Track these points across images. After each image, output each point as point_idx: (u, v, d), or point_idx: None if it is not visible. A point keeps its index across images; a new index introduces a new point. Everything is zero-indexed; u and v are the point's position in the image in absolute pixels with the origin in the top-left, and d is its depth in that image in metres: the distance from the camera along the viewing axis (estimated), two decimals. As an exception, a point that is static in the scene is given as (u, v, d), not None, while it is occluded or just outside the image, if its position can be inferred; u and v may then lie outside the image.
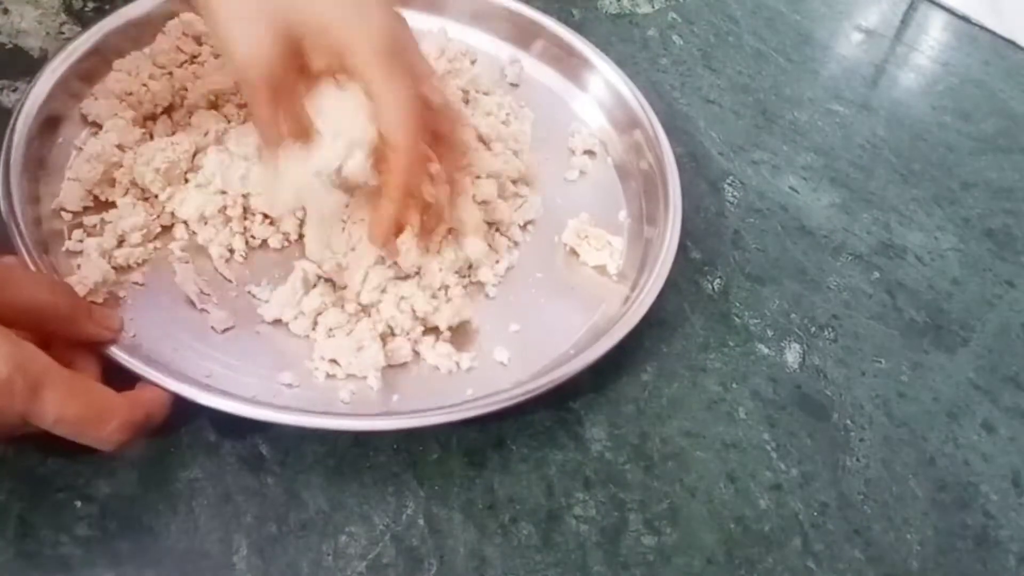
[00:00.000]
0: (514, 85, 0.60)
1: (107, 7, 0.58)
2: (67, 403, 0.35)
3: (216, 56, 0.54)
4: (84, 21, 0.57)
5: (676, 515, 0.43)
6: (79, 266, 0.44)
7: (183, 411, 0.40)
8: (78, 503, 0.39)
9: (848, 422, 0.49)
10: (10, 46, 0.55)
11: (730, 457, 0.46)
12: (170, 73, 0.53)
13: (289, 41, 0.42)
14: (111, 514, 0.39)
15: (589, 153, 0.57)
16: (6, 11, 0.57)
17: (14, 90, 0.53)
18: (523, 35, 0.62)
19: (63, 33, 0.57)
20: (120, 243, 0.46)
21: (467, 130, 0.50)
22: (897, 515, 0.45)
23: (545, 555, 0.41)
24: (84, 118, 0.50)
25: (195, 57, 0.54)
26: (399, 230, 0.45)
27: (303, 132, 0.44)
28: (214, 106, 0.52)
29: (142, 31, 0.54)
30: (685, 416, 0.47)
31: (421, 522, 0.41)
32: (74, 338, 0.39)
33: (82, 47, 0.51)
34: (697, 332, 0.51)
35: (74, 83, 0.51)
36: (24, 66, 0.54)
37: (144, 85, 0.51)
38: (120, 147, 0.48)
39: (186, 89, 0.52)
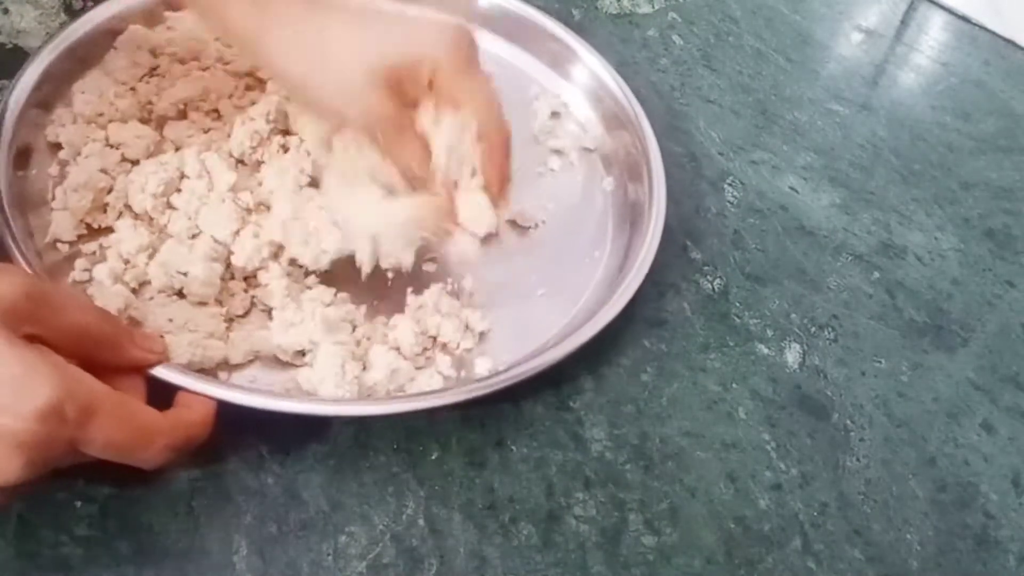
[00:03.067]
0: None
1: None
2: (116, 428, 0.35)
3: (182, 62, 0.54)
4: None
5: (676, 515, 0.43)
6: (91, 295, 0.43)
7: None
8: (78, 503, 0.39)
9: (848, 422, 0.49)
10: (10, 46, 0.55)
11: (730, 457, 0.46)
12: (133, 88, 0.52)
13: (389, 83, 0.45)
14: (111, 514, 0.39)
15: (571, 140, 0.58)
16: (6, 11, 0.57)
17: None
18: (498, 21, 0.62)
19: (63, 33, 0.57)
20: (125, 266, 0.45)
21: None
22: (897, 515, 0.45)
23: (545, 555, 0.41)
24: (52, 146, 0.49)
25: (154, 69, 0.53)
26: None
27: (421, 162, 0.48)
28: (183, 115, 0.52)
29: (87, 51, 0.53)
30: (685, 416, 0.47)
31: (421, 522, 0.41)
32: (118, 363, 0.39)
33: (34, 74, 0.50)
34: (697, 332, 0.51)
35: (33, 112, 0.50)
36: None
37: (111, 103, 0.51)
38: (103, 171, 0.48)
39: (151, 103, 0.52)
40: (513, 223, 0.53)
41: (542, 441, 0.45)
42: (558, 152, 0.58)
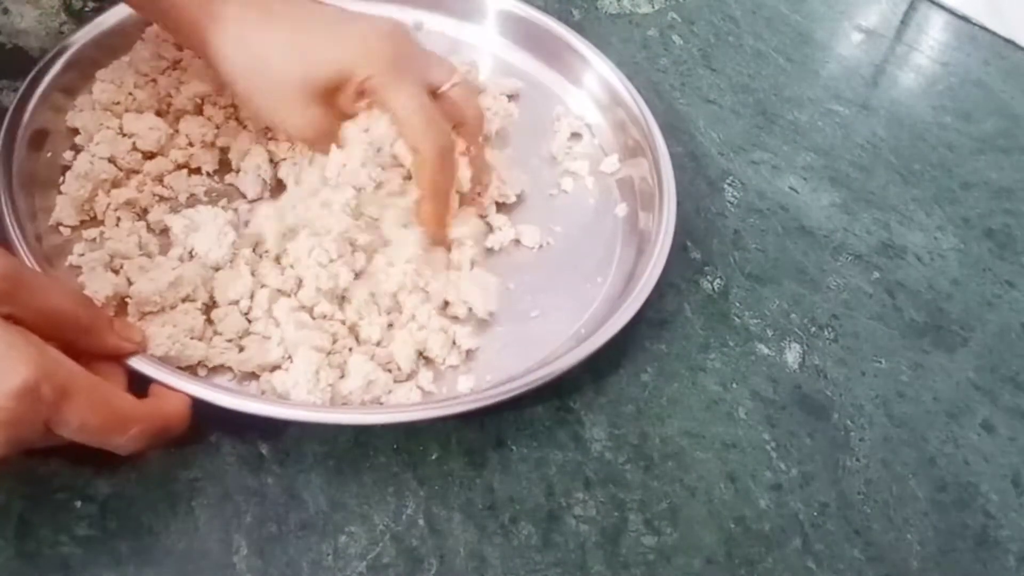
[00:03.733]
0: (512, 97, 0.60)
1: (107, 7, 0.58)
2: (91, 411, 0.35)
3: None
4: (84, 21, 0.57)
5: (676, 515, 0.43)
6: (83, 281, 0.44)
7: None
8: (78, 503, 0.39)
9: (848, 422, 0.49)
10: (10, 46, 0.55)
11: (730, 457, 0.46)
12: (154, 80, 0.52)
13: (323, 98, 0.46)
14: (111, 514, 0.39)
15: (589, 163, 0.57)
16: (6, 11, 0.57)
17: (14, 90, 0.52)
18: (518, 31, 0.62)
19: (63, 33, 0.57)
20: (120, 258, 0.46)
21: (476, 102, 0.51)
22: (897, 515, 0.45)
23: (545, 555, 0.41)
24: (70, 131, 0.50)
25: (177, 63, 0.54)
26: (445, 220, 0.48)
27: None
28: (200, 110, 0.52)
29: (118, 40, 0.53)
30: (685, 416, 0.47)
31: (421, 522, 0.41)
32: (94, 350, 0.39)
33: (61, 58, 0.51)
34: (697, 332, 0.51)
35: (56, 96, 0.50)
36: (24, 66, 0.54)
37: (130, 94, 0.51)
38: (111, 160, 0.48)
39: (171, 95, 0.52)
40: (517, 243, 0.52)
41: (542, 441, 0.45)
42: (573, 174, 0.56)
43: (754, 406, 0.48)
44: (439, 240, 0.48)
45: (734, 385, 0.49)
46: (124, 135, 0.50)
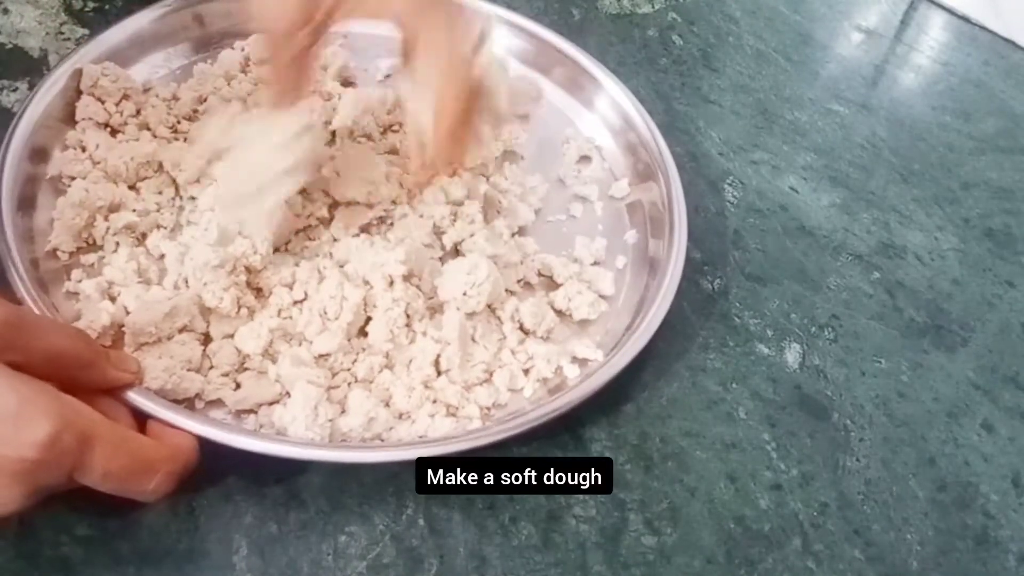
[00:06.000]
0: (521, 117, 0.58)
1: (107, 7, 0.58)
2: (115, 458, 0.35)
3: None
4: (84, 21, 0.57)
5: (676, 515, 0.43)
6: (79, 309, 0.43)
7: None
8: (78, 503, 0.39)
9: (848, 422, 0.49)
10: (10, 46, 0.55)
11: (730, 457, 0.46)
12: (151, 89, 0.52)
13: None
14: (111, 514, 0.39)
15: (598, 187, 0.56)
16: (6, 11, 0.57)
17: (14, 90, 0.53)
18: (529, 50, 0.60)
19: (63, 33, 0.57)
20: (117, 286, 0.44)
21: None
22: (897, 515, 0.45)
23: (545, 555, 0.41)
24: (69, 148, 0.49)
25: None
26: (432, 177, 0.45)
27: (301, 87, 0.44)
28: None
29: (128, 54, 0.53)
30: (685, 416, 0.47)
31: (421, 522, 0.41)
32: (95, 384, 0.38)
33: (64, 75, 0.50)
34: (697, 332, 0.51)
35: (57, 115, 0.49)
36: (24, 66, 0.54)
37: (115, 104, 0.50)
38: (113, 180, 0.47)
39: (176, 98, 0.51)
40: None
41: (542, 441, 0.45)
42: (583, 199, 0.55)
43: (754, 406, 0.48)
44: (420, 184, 0.45)
45: (734, 385, 0.49)
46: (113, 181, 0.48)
